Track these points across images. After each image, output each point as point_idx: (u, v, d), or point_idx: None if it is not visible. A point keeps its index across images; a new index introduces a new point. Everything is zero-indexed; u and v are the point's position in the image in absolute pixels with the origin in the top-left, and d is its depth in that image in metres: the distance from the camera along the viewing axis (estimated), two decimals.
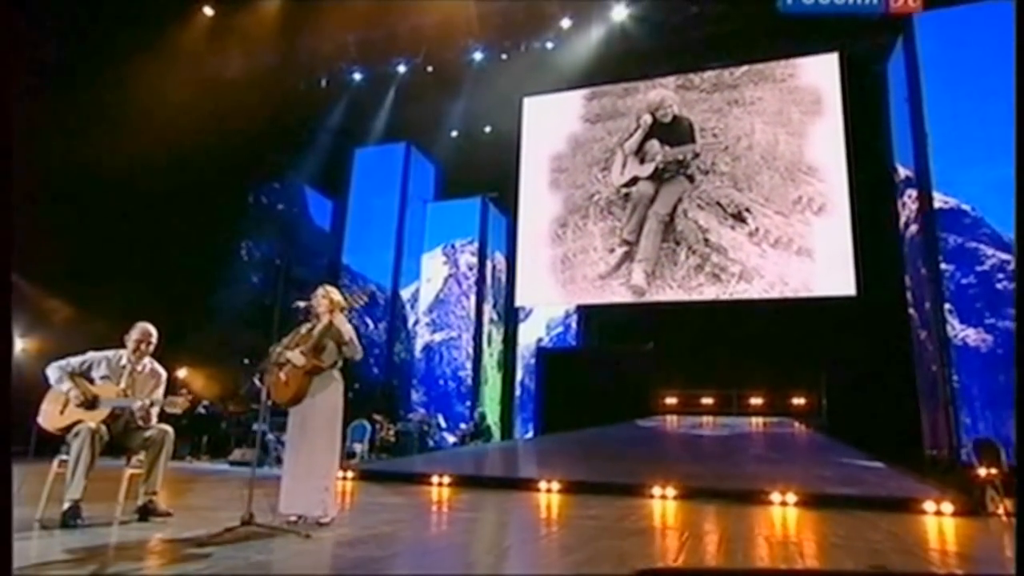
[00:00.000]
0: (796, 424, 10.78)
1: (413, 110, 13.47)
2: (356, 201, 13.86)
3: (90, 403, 3.92)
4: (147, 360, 4.23)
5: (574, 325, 12.74)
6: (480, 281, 12.93)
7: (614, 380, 10.98)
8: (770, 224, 9.90)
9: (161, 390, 4.23)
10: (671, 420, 11.42)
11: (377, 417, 10.72)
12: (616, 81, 11.50)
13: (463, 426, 11.87)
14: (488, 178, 13.56)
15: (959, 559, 3.83)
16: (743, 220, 10.04)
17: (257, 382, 3.94)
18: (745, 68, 10.67)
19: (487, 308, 13.03)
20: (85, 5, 10.40)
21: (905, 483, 7.07)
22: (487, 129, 13.96)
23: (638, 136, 11.09)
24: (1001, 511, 5.73)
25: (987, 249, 8.37)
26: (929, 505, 5.85)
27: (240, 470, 8.56)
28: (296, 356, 3.80)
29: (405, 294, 13.37)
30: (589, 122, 11.62)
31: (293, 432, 3.92)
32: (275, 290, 12.89)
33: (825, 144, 9.97)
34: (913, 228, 9.41)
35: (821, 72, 10.30)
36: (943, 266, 8.53)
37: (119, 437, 3.98)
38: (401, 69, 12.75)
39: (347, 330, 3.98)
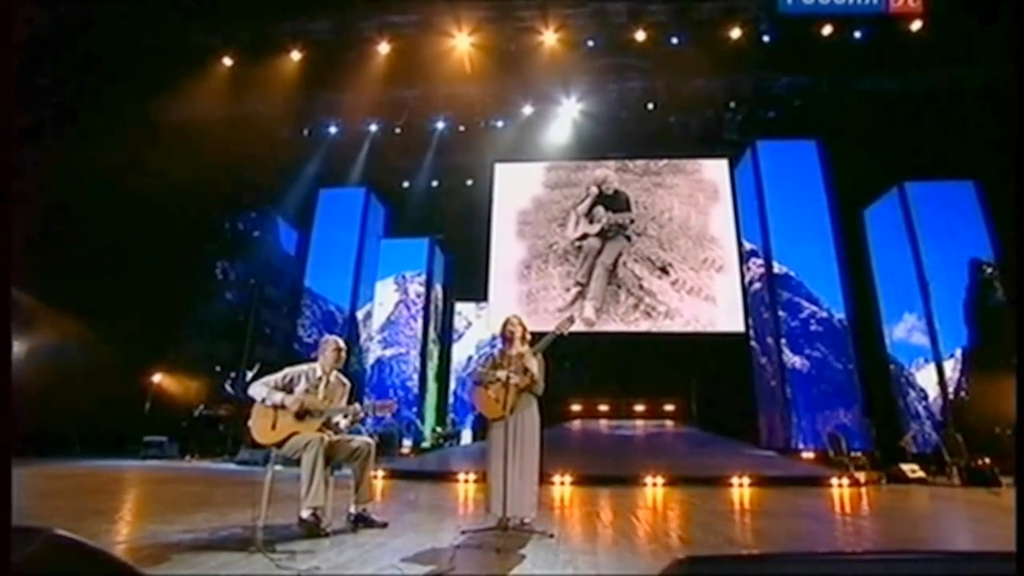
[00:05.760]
0: (669, 423, 14.16)
1: (375, 162, 15.20)
2: (319, 233, 15.03)
3: (302, 413, 4.07)
4: (336, 372, 4.46)
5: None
6: (426, 307, 14.89)
7: None
8: (686, 276, 13.14)
9: (347, 396, 4.47)
10: (585, 423, 14.30)
11: None
12: (570, 159, 14.35)
13: (438, 429, 13.41)
14: (432, 222, 15.89)
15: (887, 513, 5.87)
16: (667, 272, 13.18)
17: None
18: (665, 161, 14.14)
19: (431, 330, 15.02)
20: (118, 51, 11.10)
21: (805, 466, 9.47)
22: (434, 183, 16.23)
23: (588, 202, 13.96)
24: (864, 479, 8.54)
25: (805, 303, 12.14)
26: (835, 480, 7.98)
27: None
28: (513, 376, 4.23)
29: (360, 314, 14.67)
30: (548, 187, 14.33)
31: (505, 443, 4.07)
32: (249, 306, 13.66)
33: (721, 222, 13.57)
34: (757, 285, 13.02)
35: (716, 171, 14.02)
36: (779, 313, 12.08)
37: (328, 448, 4.08)
38: (373, 128, 14.55)
39: (542, 365, 4.42)
